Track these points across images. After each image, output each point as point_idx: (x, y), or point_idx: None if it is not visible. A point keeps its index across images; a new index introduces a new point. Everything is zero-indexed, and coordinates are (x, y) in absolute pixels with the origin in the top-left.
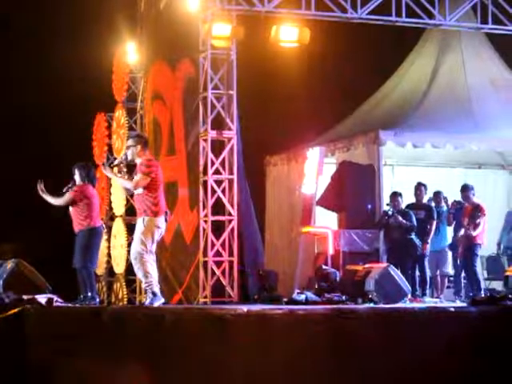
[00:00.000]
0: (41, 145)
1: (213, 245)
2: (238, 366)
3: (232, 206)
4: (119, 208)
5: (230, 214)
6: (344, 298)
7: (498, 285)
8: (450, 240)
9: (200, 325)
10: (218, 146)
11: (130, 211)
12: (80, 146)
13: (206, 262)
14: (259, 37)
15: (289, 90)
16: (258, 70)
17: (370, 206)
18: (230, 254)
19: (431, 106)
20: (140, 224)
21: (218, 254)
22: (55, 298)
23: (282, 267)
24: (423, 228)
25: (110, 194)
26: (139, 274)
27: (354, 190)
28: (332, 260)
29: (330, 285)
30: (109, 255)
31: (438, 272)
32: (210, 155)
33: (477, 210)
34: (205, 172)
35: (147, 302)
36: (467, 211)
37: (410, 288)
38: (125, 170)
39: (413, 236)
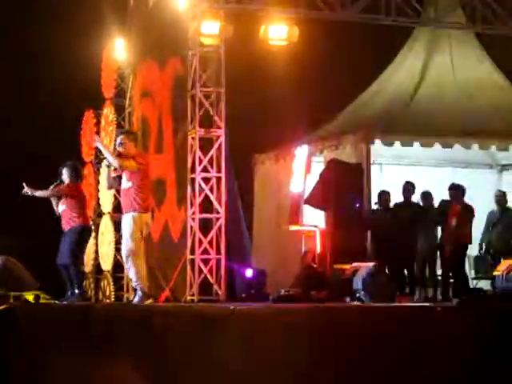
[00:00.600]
0: (28, 142)
1: (200, 243)
2: (225, 363)
3: (220, 203)
4: (107, 205)
5: (217, 212)
6: (331, 296)
7: (485, 284)
8: (438, 239)
9: (188, 323)
10: (206, 144)
11: (118, 208)
12: (68, 143)
13: (193, 260)
14: (248, 35)
15: (278, 88)
16: (246, 68)
17: (357, 205)
18: (218, 252)
19: (420, 105)
20: (128, 221)
21: (205, 251)
22: (43, 294)
23: (270, 265)
24: (411, 227)
25: (98, 190)
26: (130, 273)
27: (342, 188)
28: (319, 258)
29: (317, 283)
30: (96, 252)
31: (428, 271)
32: (198, 153)
33: (465, 210)
34: (193, 170)
35: (135, 300)
36: (455, 211)
37: (397, 287)
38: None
39: (401, 235)
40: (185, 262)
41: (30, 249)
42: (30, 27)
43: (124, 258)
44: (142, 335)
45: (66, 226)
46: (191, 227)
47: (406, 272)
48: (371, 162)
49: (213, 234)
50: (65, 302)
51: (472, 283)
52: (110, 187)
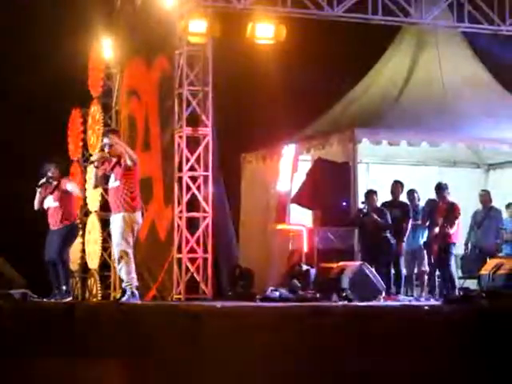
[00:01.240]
0: (15, 140)
1: (187, 241)
2: (212, 363)
3: (207, 202)
4: (94, 203)
5: (204, 211)
6: (318, 295)
7: (472, 283)
8: (425, 238)
9: (174, 322)
10: (193, 143)
11: (105, 207)
12: (55, 142)
13: (180, 259)
14: (235, 34)
15: (265, 88)
16: (234, 67)
17: (345, 204)
18: (205, 251)
19: (407, 104)
20: (119, 221)
21: (192, 250)
22: (29, 292)
23: (257, 264)
24: (399, 226)
25: (85, 189)
26: (121, 273)
27: (329, 187)
28: (306, 257)
29: (304, 282)
30: (83, 251)
31: (416, 270)
32: (185, 152)
33: (451, 209)
34: (180, 168)
35: (124, 299)
36: (441, 210)
37: (384, 286)
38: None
39: (388, 234)
40: (172, 260)
41: (16, 247)
42: (16, 27)
43: (116, 259)
44: (129, 334)
45: (57, 222)
46: (178, 226)
47: (392, 271)
48: (358, 160)
49: (200, 232)
50: (52, 300)
51: (459, 282)
52: (95, 186)
